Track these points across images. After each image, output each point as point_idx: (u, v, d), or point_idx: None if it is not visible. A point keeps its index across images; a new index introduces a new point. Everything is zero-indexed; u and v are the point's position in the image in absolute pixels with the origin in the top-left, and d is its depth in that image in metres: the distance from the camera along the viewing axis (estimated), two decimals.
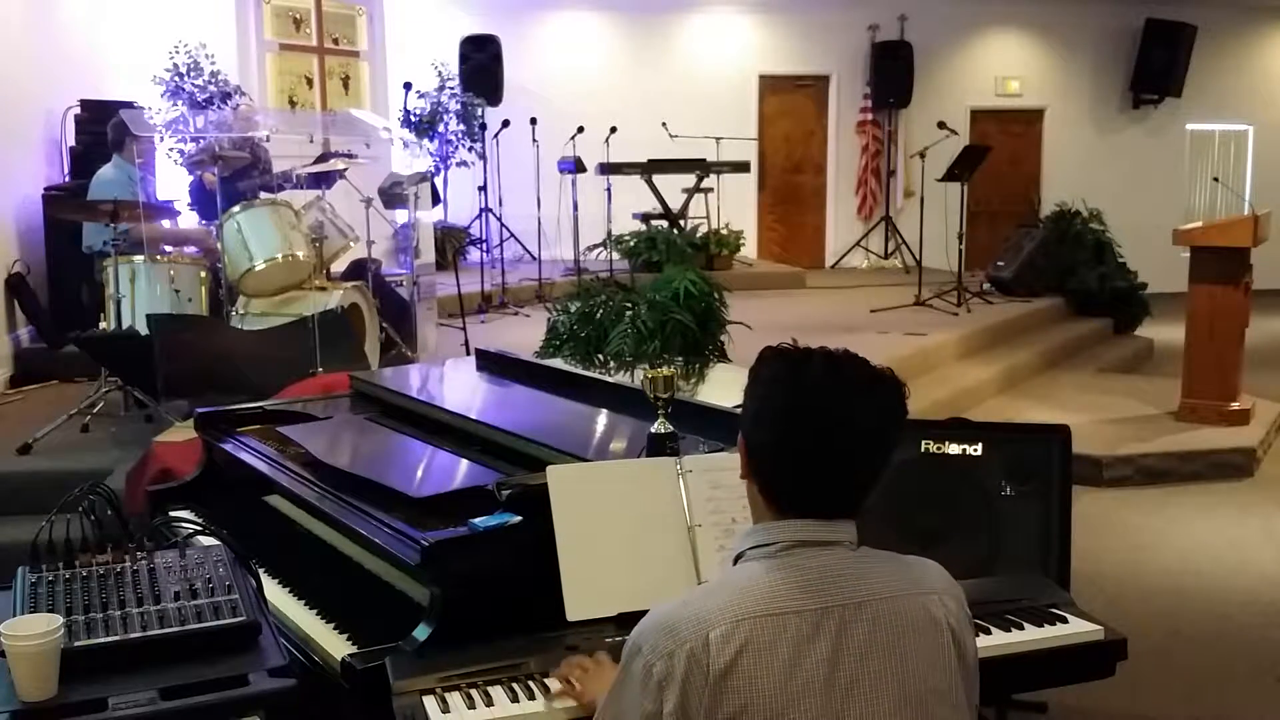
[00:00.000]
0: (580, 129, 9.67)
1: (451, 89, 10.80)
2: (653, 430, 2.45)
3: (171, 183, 7.25)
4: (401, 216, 7.28)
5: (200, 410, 3.36)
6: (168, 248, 5.95)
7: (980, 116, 13.18)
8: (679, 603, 1.60)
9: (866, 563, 1.62)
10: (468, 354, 5.57)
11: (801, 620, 1.54)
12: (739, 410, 1.73)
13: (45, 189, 7.14)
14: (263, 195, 6.29)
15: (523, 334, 6.96)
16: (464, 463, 2.72)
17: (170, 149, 7.72)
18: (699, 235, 10.53)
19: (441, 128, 10.61)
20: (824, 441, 1.59)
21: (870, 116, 12.80)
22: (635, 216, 10.60)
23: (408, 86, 10.27)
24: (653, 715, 1.54)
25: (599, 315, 5.49)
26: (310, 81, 9.23)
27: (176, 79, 8.21)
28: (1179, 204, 13.42)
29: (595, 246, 9.84)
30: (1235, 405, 6.66)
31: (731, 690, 1.51)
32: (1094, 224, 10.09)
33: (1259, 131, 14.03)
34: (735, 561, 1.66)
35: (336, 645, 2.25)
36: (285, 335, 5.37)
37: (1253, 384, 7.12)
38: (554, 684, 2.00)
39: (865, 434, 1.61)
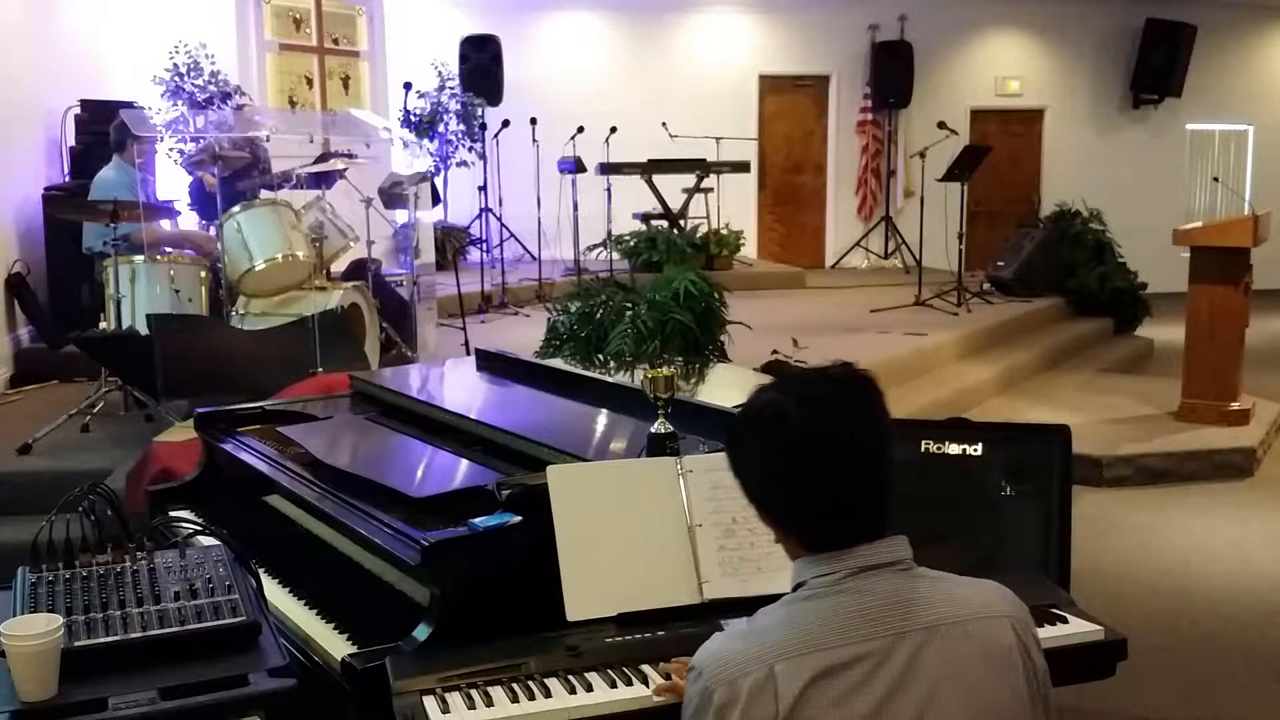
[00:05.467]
0: (580, 129, 9.67)
1: (451, 89, 10.80)
2: (653, 430, 2.45)
3: (171, 183, 7.25)
4: (401, 216, 7.28)
5: (200, 410, 3.36)
6: (168, 249, 5.95)
7: (980, 116, 13.18)
8: (740, 631, 1.57)
9: (930, 584, 1.59)
10: (468, 354, 5.57)
11: (871, 649, 1.50)
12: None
13: (45, 189, 7.14)
14: (263, 195, 6.29)
15: (523, 334, 6.96)
16: (464, 463, 2.72)
17: (170, 149, 7.72)
18: (699, 235, 10.53)
19: (441, 128, 10.60)
20: (840, 472, 1.56)
21: (870, 116, 12.80)
22: (635, 216, 10.61)
23: (408, 86, 10.27)
24: None
25: (599, 315, 5.49)
26: (310, 81, 9.24)
27: (176, 79, 8.21)
28: (1179, 204, 13.42)
29: (595, 246, 9.84)
30: (1235, 405, 6.66)
31: None
32: (1094, 224, 10.09)
33: (1259, 131, 14.04)
34: (795, 588, 1.61)
35: (336, 645, 2.24)
36: (285, 335, 5.37)
37: (1253, 384, 7.12)
38: (656, 676, 2.00)
39: (867, 444, 1.58)
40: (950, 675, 1.51)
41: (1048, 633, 2.27)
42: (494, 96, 10.98)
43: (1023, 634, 1.60)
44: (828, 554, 1.57)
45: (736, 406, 1.71)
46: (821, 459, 1.56)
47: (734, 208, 11.38)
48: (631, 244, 10.11)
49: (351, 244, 6.57)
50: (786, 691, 1.47)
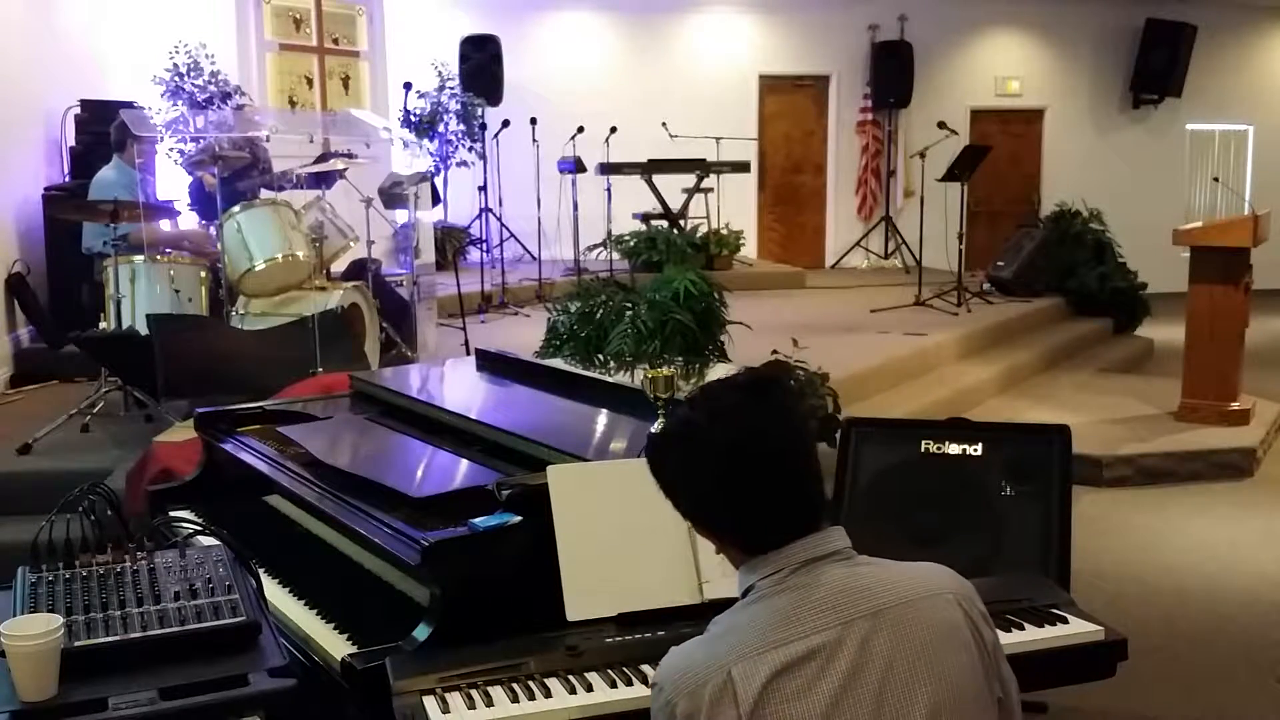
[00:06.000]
0: (580, 129, 9.67)
1: (451, 89, 10.79)
2: (653, 430, 2.44)
3: (172, 183, 7.25)
4: (401, 216, 7.28)
5: (200, 410, 3.36)
6: (168, 249, 5.95)
7: (980, 116, 13.18)
8: (697, 641, 1.60)
9: (873, 570, 1.63)
10: (468, 354, 5.57)
11: (823, 640, 1.53)
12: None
13: (45, 189, 7.14)
14: (263, 195, 6.29)
15: (523, 334, 6.97)
16: (464, 463, 2.72)
17: (170, 149, 7.72)
18: (699, 235, 10.53)
19: (441, 128, 10.60)
20: (757, 473, 1.60)
21: (870, 116, 12.80)
22: (635, 216, 10.61)
23: (408, 86, 10.27)
24: None
25: (599, 315, 5.49)
26: (310, 81, 9.23)
27: (176, 79, 8.21)
28: (1179, 204, 13.43)
29: (595, 246, 9.84)
30: (1235, 405, 6.66)
31: None
32: (1094, 224, 10.10)
33: (1259, 131, 14.04)
34: (745, 594, 1.64)
35: (336, 645, 2.25)
36: (285, 335, 5.37)
37: (1253, 384, 7.12)
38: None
39: (778, 441, 1.62)
40: (903, 656, 1.54)
41: (1048, 633, 2.28)
42: (494, 96, 10.98)
43: (969, 609, 1.62)
44: (766, 555, 1.61)
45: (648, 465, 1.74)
46: (737, 465, 1.60)
47: (734, 208, 11.38)
48: (631, 244, 10.11)
49: (351, 244, 6.57)
50: (746, 693, 1.49)
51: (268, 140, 6.76)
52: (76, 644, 1.81)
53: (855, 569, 1.61)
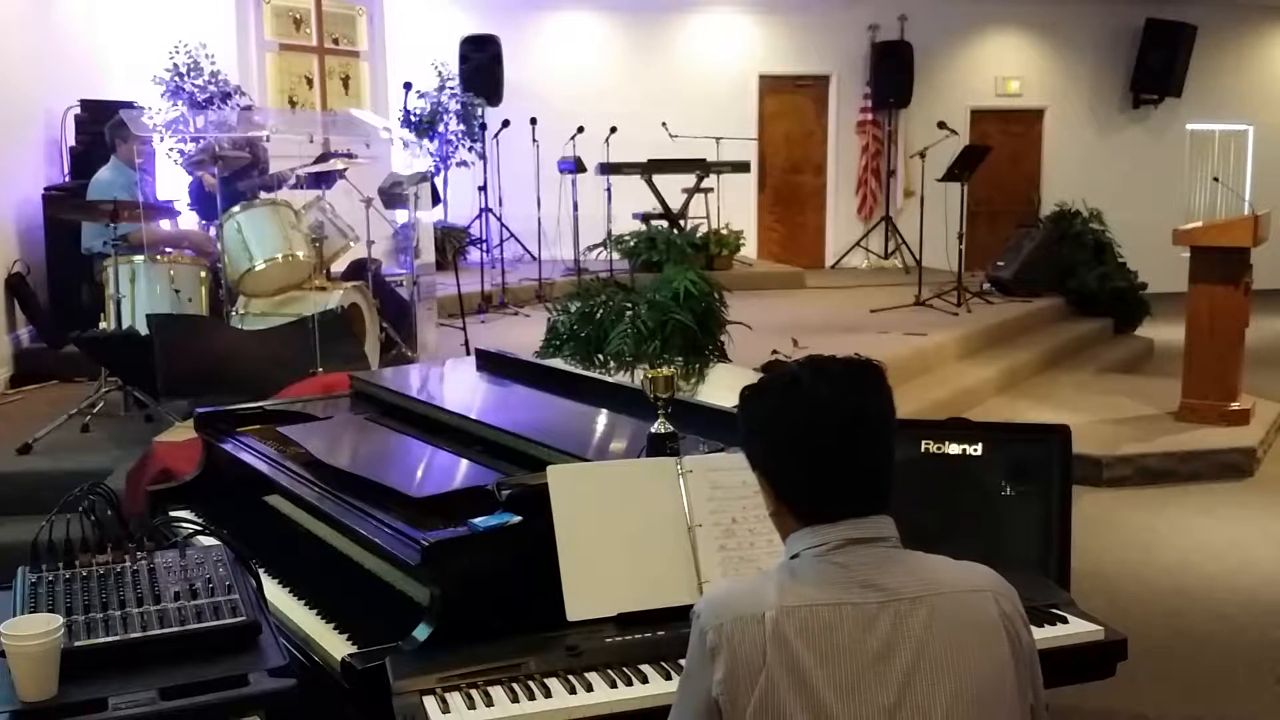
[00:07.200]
0: (580, 129, 9.67)
1: (451, 89, 10.80)
2: (653, 430, 2.45)
3: (171, 183, 7.24)
4: (401, 216, 7.28)
5: (200, 410, 3.37)
6: (168, 249, 5.96)
7: (980, 116, 13.18)
8: (741, 581, 1.65)
9: (918, 560, 1.65)
10: (468, 354, 5.57)
11: (858, 611, 1.55)
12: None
13: (45, 189, 7.14)
14: (263, 195, 6.29)
15: (523, 334, 6.96)
16: (464, 463, 2.72)
17: (170, 149, 7.72)
18: (699, 235, 10.52)
19: (441, 128, 10.61)
20: (841, 440, 1.63)
21: (870, 116, 12.80)
22: (635, 216, 10.60)
23: (408, 86, 10.27)
24: (705, 685, 1.56)
25: (599, 315, 5.49)
26: (310, 81, 9.23)
27: (176, 79, 8.21)
28: (1179, 204, 13.42)
29: (595, 246, 9.84)
30: (1235, 405, 6.66)
31: (785, 675, 1.51)
32: (1094, 224, 10.09)
33: (1259, 131, 14.04)
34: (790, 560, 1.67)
35: (336, 645, 2.25)
36: (285, 335, 5.37)
37: (1253, 384, 7.13)
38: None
39: (870, 420, 1.65)
40: (936, 643, 1.55)
41: (1048, 633, 2.28)
42: (494, 96, 10.98)
43: (1008, 610, 1.63)
44: (817, 526, 1.63)
45: (736, 406, 1.74)
46: (822, 426, 1.63)
47: (734, 208, 11.37)
48: (631, 244, 10.10)
49: (351, 244, 6.57)
50: (774, 639, 1.52)
51: (268, 140, 6.76)
52: (76, 644, 1.81)
53: (900, 554, 1.64)
